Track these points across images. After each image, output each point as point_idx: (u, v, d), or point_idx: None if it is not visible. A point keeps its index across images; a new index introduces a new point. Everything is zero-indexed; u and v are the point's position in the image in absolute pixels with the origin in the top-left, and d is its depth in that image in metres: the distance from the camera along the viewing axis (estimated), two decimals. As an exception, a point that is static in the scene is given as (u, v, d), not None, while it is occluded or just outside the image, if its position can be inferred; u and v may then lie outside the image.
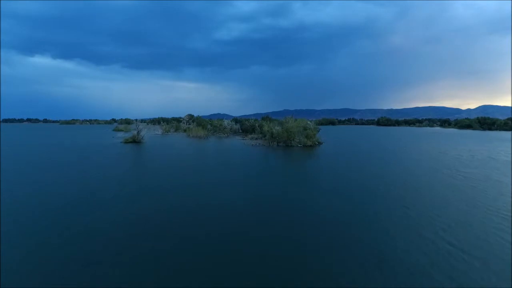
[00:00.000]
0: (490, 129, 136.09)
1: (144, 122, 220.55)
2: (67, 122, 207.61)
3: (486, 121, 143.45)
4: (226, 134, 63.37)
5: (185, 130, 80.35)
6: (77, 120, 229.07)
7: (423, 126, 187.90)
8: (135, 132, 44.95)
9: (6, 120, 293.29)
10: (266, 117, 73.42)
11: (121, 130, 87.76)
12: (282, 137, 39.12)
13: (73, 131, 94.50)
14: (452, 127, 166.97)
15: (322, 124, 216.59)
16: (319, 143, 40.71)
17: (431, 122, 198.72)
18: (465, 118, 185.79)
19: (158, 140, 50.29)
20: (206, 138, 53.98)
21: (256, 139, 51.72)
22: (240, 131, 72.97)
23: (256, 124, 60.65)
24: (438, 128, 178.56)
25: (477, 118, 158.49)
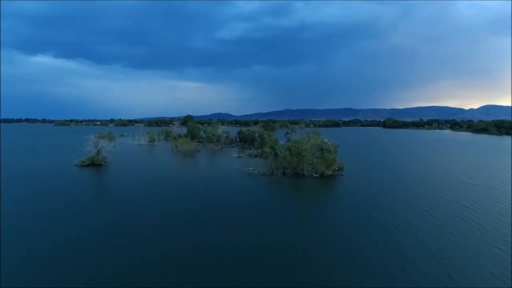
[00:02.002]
0: (508, 133, 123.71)
1: (142, 123, 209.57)
2: (62, 123, 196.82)
3: (504, 124, 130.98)
4: (220, 147, 51.74)
5: (175, 138, 68.84)
6: (73, 121, 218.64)
7: (432, 128, 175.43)
8: (95, 152, 33.39)
9: (5, 120, 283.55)
10: (268, 123, 61.63)
11: (104, 137, 76.47)
12: (291, 163, 27.41)
13: (51, 137, 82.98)
14: (464, 130, 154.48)
15: (326, 125, 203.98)
16: (340, 169, 28.99)
17: (440, 124, 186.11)
18: (479, 121, 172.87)
19: (131, 158, 38.77)
20: (193, 154, 42.41)
21: (256, 156, 40.13)
22: (238, 140, 61.48)
23: (256, 135, 49.02)
24: (448, 131, 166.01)
25: (493, 121, 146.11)
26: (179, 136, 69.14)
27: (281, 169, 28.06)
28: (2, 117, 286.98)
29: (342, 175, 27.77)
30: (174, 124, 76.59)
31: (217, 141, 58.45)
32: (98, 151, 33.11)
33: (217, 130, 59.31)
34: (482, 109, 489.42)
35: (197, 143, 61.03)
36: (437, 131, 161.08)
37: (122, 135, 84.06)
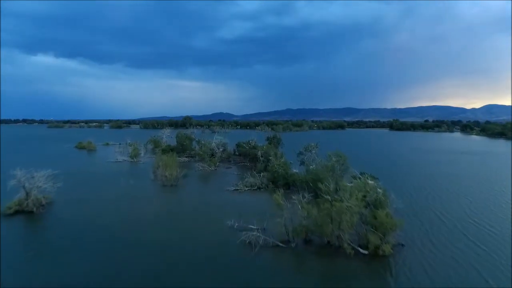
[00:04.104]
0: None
1: (139, 124, 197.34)
2: (56, 125, 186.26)
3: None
4: (213, 166, 40.49)
5: (163, 150, 57.74)
6: (69, 122, 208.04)
7: (442, 131, 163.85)
8: (23, 194, 22.12)
9: (2, 121, 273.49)
10: (271, 142, 50.06)
11: (83, 148, 65.63)
12: (323, 228, 16.13)
13: (27, 145, 71.38)
14: (477, 134, 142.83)
15: (331, 127, 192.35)
16: (392, 226, 17.74)
17: (450, 127, 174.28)
18: (492, 123, 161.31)
19: (88, 193, 27.54)
20: (176, 182, 31.17)
21: (259, 188, 28.95)
22: (236, 153, 50.37)
23: (259, 154, 37.82)
24: (459, 134, 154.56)
25: (509, 123, 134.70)
26: (168, 147, 58.15)
27: (303, 233, 16.84)
28: (2, 117, 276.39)
29: (403, 245, 16.63)
30: (164, 133, 65.02)
31: (212, 155, 47.41)
32: (27, 193, 21.88)
33: (211, 143, 48.11)
34: (484, 109, 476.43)
35: (187, 158, 50.06)
36: (447, 134, 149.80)
37: (107, 144, 72.97)
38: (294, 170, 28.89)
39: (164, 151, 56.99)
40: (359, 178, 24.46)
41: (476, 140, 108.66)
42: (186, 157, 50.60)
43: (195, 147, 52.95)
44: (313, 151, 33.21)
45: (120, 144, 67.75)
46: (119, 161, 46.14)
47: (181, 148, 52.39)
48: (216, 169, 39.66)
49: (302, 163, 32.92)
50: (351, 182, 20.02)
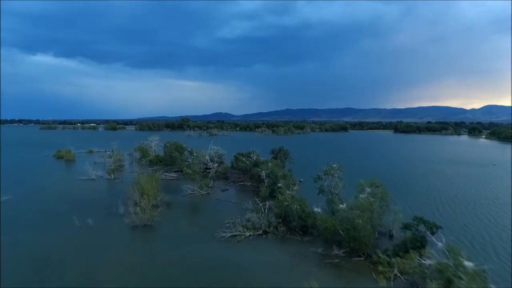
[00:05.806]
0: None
1: (135, 125, 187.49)
2: (48, 127, 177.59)
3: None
4: (205, 190, 31.65)
5: (151, 162, 49.18)
6: (65, 122, 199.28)
7: (449, 133, 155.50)
8: None
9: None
10: (277, 156, 41.06)
11: (61, 157, 57.02)
12: None
13: None
14: (486, 137, 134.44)
15: (333, 130, 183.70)
16: None
17: (457, 129, 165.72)
18: (502, 126, 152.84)
19: (22, 244, 19.02)
20: (152, 220, 22.55)
21: (266, 232, 20.48)
22: (234, 166, 41.84)
23: (263, 175, 29.23)
24: (466, 137, 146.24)
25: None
26: (157, 158, 49.66)
27: None
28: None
29: None
30: (152, 140, 56.26)
31: (207, 169, 39.04)
32: None
33: (204, 156, 39.53)
34: (484, 109, 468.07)
35: (176, 173, 41.47)
36: (455, 137, 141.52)
37: (90, 152, 64.39)
38: (316, 209, 20.37)
39: (152, 163, 48.71)
40: (415, 227, 16.05)
41: (491, 146, 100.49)
42: (175, 171, 42.06)
43: (187, 158, 44.38)
44: (336, 175, 24.69)
45: (106, 151, 59.41)
46: (93, 178, 37.45)
47: (170, 160, 43.89)
48: (209, 193, 31.08)
49: (322, 191, 24.48)
50: (423, 257, 11.60)
